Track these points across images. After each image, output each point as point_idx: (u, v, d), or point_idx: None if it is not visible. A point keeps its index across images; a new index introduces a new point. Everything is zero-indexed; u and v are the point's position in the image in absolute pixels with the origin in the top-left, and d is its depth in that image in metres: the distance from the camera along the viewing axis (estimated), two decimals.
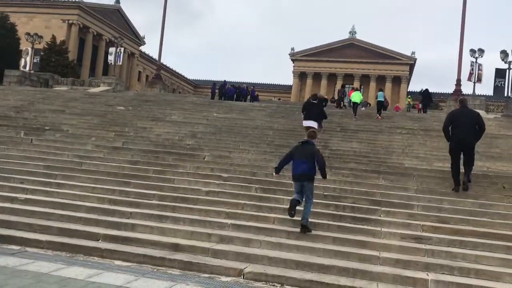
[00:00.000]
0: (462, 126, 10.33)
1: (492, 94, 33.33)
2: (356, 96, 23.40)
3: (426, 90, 31.87)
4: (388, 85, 75.17)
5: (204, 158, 13.53)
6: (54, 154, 13.51)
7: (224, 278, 7.11)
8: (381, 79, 76.58)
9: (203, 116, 21.10)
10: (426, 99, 30.52)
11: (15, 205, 9.65)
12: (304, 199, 8.77)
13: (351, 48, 78.58)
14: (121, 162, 12.97)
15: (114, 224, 8.92)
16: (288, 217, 9.46)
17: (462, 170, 11.04)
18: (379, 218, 9.55)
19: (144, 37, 74.68)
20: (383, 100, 24.19)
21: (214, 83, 37.99)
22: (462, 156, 10.66)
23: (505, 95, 29.32)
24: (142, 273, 6.94)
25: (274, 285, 7.00)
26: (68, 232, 8.45)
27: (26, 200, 9.87)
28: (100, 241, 8.28)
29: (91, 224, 8.90)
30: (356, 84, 68.86)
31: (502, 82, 29.46)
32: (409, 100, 43.77)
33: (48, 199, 10.06)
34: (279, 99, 64.65)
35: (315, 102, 15.97)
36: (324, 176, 9.08)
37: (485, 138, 16.13)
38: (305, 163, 8.78)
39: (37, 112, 20.13)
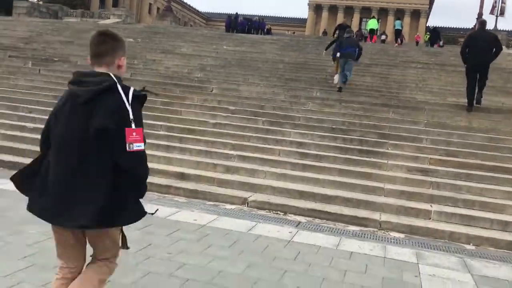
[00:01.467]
0: (479, 48, 10.39)
1: None
2: (372, 23, 22.86)
3: (434, 27, 32.97)
4: (407, 20, 72.49)
5: (212, 91, 13.40)
6: (63, 85, 13.39)
7: (228, 206, 7.23)
8: (399, 13, 73.79)
9: (213, 49, 20.70)
10: (434, 37, 30.13)
11: (25, 134, 9.76)
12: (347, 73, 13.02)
13: None
14: None
15: None
16: (294, 149, 9.49)
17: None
18: (386, 151, 9.49)
19: None
20: (400, 28, 24.80)
21: (228, 16, 36.91)
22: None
23: None
24: (148, 199, 7.03)
25: (277, 213, 7.11)
26: None
27: (35, 129, 9.95)
28: None
29: None
30: (374, 18, 66.47)
31: None
32: (428, 36, 41.89)
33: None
34: (294, 32, 62.91)
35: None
36: (358, 58, 13.71)
37: (502, 74, 15.71)
38: (351, 48, 13.29)
39: (45, 43, 19.91)
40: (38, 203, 2.63)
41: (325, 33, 51.33)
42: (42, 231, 4.60)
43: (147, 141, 8.68)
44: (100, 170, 2.54)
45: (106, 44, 2.72)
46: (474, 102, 11.33)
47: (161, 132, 10.17)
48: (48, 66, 15.61)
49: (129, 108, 2.54)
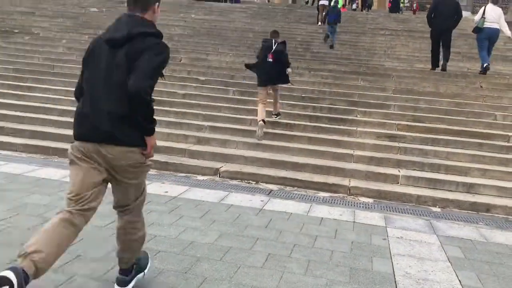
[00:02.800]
0: (443, 14, 11.25)
1: None
2: None
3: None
4: None
5: (180, 61, 13.17)
6: (24, 57, 12.98)
7: (200, 177, 7.22)
8: None
9: (180, 18, 20.24)
10: (394, 5, 30.87)
11: None
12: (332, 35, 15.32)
13: None
14: None
15: None
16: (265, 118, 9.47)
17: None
18: (355, 118, 9.59)
19: None
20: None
21: None
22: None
23: None
24: None
25: (249, 182, 7.15)
26: (42, 135, 8.35)
27: None
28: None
29: (65, 126, 8.74)
30: None
31: None
32: (402, 4, 41.05)
33: (19, 102, 9.81)
34: (268, 1, 61.83)
35: None
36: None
37: (468, 39, 15.93)
38: (334, 16, 16.16)
39: (4, 14, 19.03)
40: None
41: (294, 1, 50.74)
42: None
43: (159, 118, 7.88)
44: None
45: None
46: (440, 67, 12.05)
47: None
48: (8, 38, 14.97)
49: None
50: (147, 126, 2.90)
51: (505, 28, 11.39)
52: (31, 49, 13.90)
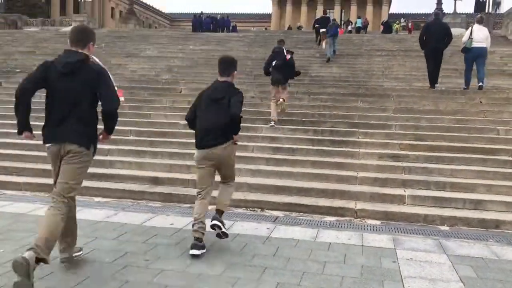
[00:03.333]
0: (434, 36, 11.66)
1: (473, 11, 32.73)
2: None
3: (387, 21, 36.34)
4: (370, 9, 73.69)
5: (180, 92, 13.29)
6: None
7: None
8: (362, 3, 74.74)
9: (179, 50, 20.54)
10: (386, 29, 32.49)
11: None
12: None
13: None
14: None
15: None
16: (267, 144, 9.51)
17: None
18: (357, 140, 9.59)
19: None
20: (361, 26, 32.35)
21: (194, 15, 36.60)
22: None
23: (486, 11, 28.91)
24: (122, 207, 6.94)
25: (254, 210, 7.10)
26: (45, 173, 8.33)
27: (0, 144, 9.68)
28: None
29: None
30: (337, 9, 67.19)
31: None
32: (397, 26, 41.14)
33: (22, 141, 9.82)
34: (266, 28, 62.99)
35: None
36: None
37: (464, 55, 16.03)
38: (333, 30, 17.49)
39: (5, 55, 19.37)
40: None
41: (289, 28, 51.78)
42: None
43: (118, 147, 8.87)
44: None
45: None
46: (430, 81, 12.38)
47: (131, 137, 10.03)
48: (9, 78, 15.18)
49: None
50: (238, 131, 5.08)
51: (488, 47, 11.74)
52: None
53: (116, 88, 4.19)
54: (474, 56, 11.47)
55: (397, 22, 44.01)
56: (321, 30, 19.86)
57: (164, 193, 7.53)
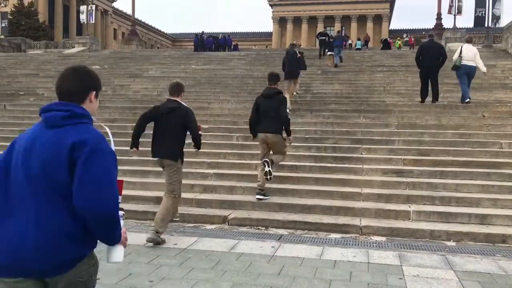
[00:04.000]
0: (429, 56, 12.11)
1: (473, 26, 32.92)
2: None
3: (386, 39, 37.25)
4: (370, 25, 74.20)
5: None
6: (29, 119, 13.18)
7: (208, 226, 7.15)
8: (362, 19, 75.39)
9: (181, 69, 20.70)
10: (385, 46, 33.33)
11: None
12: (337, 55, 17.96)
13: None
14: (99, 120, 12.69)
15: None
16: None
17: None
18: (360, 156, 9.58)
19: None
20: (360, 47, 32.11)
21: (196, 35, 37.02)
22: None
23: (486, 25, 29.07)
24: (126, 227, 6.91)
25: (258, 228, 7.06)
26: None
27: None
28: None
29: None
30: (337, 26, 67.74)
31: (483, 12, 29.13)
32: (399, 43, 41.42)
33: None
34: (267, 46, 63.64)
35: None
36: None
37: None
38: (339, 41, 19.70)
39: (10, 78, 19.56)
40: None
41: (294, 44, 52.21)
42: None
43: (122, 168, 8.83)
44: None
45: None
46: (428, 98, 12.65)
47: (135, 158, 10.02)
48: (13, 100, 15.31)
49: None
50: (289, 130, 7.67)
51: (480, 65, 12.06)
52: (36, 110, 14.07)
53: (200, 129, 6.66)
54: (464, 72, 12.02)
55: (399, 38, 44.25)
56: (329, 53, 21.09)
57: None
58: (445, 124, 11.07)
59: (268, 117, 7.44)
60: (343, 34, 34.15)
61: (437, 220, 7.05)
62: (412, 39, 39.34)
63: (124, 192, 8.72)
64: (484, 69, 12.26)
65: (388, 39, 41.01)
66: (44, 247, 2.01)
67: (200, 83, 17.48)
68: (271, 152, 7.84)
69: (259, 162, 8.13)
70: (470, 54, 11.99)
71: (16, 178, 2.10)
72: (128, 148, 10.36)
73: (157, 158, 6.44)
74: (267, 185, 8.43)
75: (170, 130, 6.15)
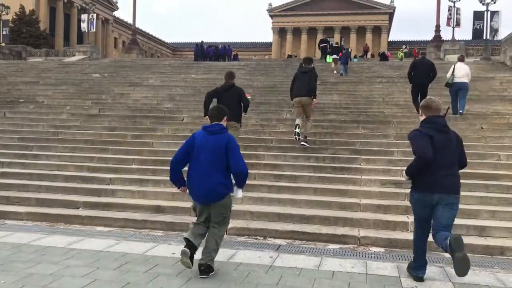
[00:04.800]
0: (420, 72, 12.67)
1: (471, 38, 33.15)
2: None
3: (384, 53, 38.43)
4: (369, 36, 74.55)
5: (182, 120, 13.38)
6: (29, 126, 13.23)
7: None
8: (361, 31, 75.77)
9: (181, 79, 20.77)
10: (383, 59, 33.60)
11: None
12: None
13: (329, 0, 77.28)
14: (98, 129, 12.76)
15: (94, 191, 8.84)
16: (269, 171, 9.51)
17: None
18: (359, 166, 9.59)
19: (117, 2, 72.33)
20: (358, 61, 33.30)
21: (196, 45, 37.19)
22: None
23: (484, 37, 29.27)
24: (124, 236, 6.91)
25: (257, 238, 7.05)
26: (47, 202, 8.36)
27: (2, 174, 9.71)
28: (80, 208, 8.21)
29: (70, 192, 8.81)
30: (337, 37, 68.13)
31: (481, 25, 29.35)
32: (401, 54, 40.47)
33: (24, 171, 9.89)
34: (266, 56, 63.99)
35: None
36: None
37: None
38: (345, 58, 21.22)
39: (10, 85, 19.60)
40: None
41: (290, 56, 52.78)
42: None
43: (120, 176, 8.90)
44: None
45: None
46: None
47: (134, 166, 10.05)
48: (13, 108, 15.33)
49: None
50: (315, 94, 10.46)
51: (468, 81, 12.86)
52: (35, 117, 14.19)
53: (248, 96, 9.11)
54: (456, 89, 12.74)
55: (401, 49, 44.47)
56: (334, 56, 23.37)
57: (166, 222, 7.51)
58: None
59: (302, 87, 10.19)
60: (342, 45, 34.96)
61: None
62: (416, 50, 39.57)
63: (122, 200, 8.70)
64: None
65: (386, 52, 41.39)
66: (218, 189, 5.01)
67: (200, 93, 17.48)
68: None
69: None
70: (462, 72, 12.71)
71: (198, 155, 5.04)
72: (127, 156, 10.46)
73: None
74: (267, 195, 8.45)
75: (231, 101, 8.64)
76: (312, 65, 10.99)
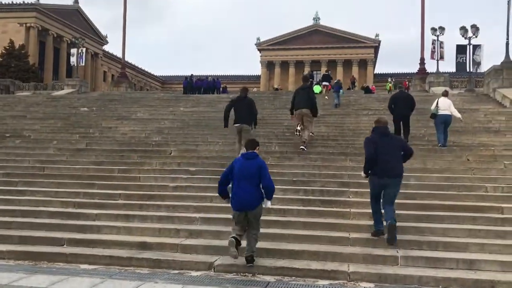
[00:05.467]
0: (400, 105, 13.65)
1: (455, 71, 33.85)
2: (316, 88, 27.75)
3: (368, 87, 39.50)
4: (355, 69, 75.89)
5: (170, 154, 13.32)
6: (14, 161, 13.07)
7: (194, 273, 6.99)
8: (347, 64, 77.16)
9: (170, 112, 20.82)
10: (367, 92, 34.90)
11: None
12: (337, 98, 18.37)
13: (316, 34, 78.86)
14: (85, 163, 12.64)
15: (79, 228, 8.68)
16: None
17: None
18: (347, 199, 9.57)
19: (106, 36, 73.10)
20: (344, 94, 32.55)
21: (185, 78, 37.48)
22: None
23: (467, 70, 29.92)
24: (109, 275, 6.75)
25: (245, 275, 6.91)
26: (30, 240, 8.16)
27: None
28: (64, 246, 8.04)
29: (55, 229, 8.64)
30: (324, 69, 69.21)
31: (464, 58, 30.04)
32: (390, 85, 40.85)
33: (7, 207, 9.71)
34: (253, 89, 64.60)
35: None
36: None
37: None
38: (337, 87, 21.29)
39: None
40: None
41: (276, 89, 53.63)
42: None
43: (107, 212, 8.61)
44: None
45: None
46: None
47: (120, 201, 9.92)
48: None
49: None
50: (315, 110, 13.04)
51: (455, 113, 13.55)
52: (21, 152, 14.04)
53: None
54: (441, 121, 13.22)
55: (389, 81, 45.24)
56: (324, 82, 26.89)
57: (152, 259, 7.35)
58: (430, 168, 11.17)
59: (302, 102, 12.43)
60: (329, 73, 36.20)
61: (425, 265, 6.99)
62: (407, 82, 40.18)
63: (108, 237, 8.54)
64: (459, 115, 13.63)
65: (370, 86, 42.28)
66: (253, 201, 6.83)
67: (188, 125, 17.55)
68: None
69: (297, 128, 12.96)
70: (445, 105, 13.50)
71: (240, 176, 6.88)
72: (114, 191, 10.34)
73: (238, 124, 11.74)
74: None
75: (244, 108, 11.60)
76: (310, 82, 13.12)
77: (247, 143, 7.42)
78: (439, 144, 13.06)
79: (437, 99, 13.88)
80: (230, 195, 7.08)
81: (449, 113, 13.40)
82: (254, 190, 6.85)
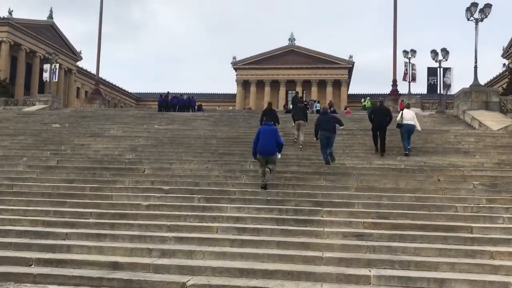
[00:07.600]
0: (379, 116, 15.51)
1: (426, 92, 34.75)
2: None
3: (334, 110, 40.37)
4: (329, 89, 77.06)
5: (144, 172, 13.16)
6: None
7: None
8: (322, 84, 78.28)
9: (144, 129, 20.63)
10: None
11: None
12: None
13: (291, 54, 79.91)
14: (56, 181, 12.37)
15: (48, 247, 8.46)
16: (232, 224, 9.40)
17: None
18: (321, 218, 9.62)
19: (80, 52, 72.32)
20: (320, 109, 33.15)
21: (160, 95, 37.34)
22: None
23: (438, 92, 30.75)
24: None
25: None
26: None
27: None
28: (32, 266, 7.81)
29: (23, 249, 8.39)
30: (299, 89, 70.02)
31: (435, 80, 30.89)
32: (368, 101, 41.89)
33: None
34: (230, 107, 64.87)
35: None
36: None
37: (421, 134, 16.81)
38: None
39: None
40: None
41: (250, 108, 54.25)
42: None
43: (77, 231, 8.36)
44: None
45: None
46: (380, 150, 15.36)
47: (91, 220, 9.73)
48: None
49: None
50: (307, 119, 17.97)
51: (417, 125, 15.54)
52: None
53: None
54: (406, 130, 15.09)
55: (368, 98, 46.15)
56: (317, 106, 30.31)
57: (123, 279, 7.20)
58: (402, 188, 11.36)
59: (300, 115, 16.99)
60: (302, 96, 36.78)
61: (397, 284, 7.06)
62: (402, 102, 40.76)
63: (78, 257, 8.37)
64: (419, 127, 15.70)
65: (345, 109, 43.17)
66: (272, 150, 11.58)
67: (162, 143, 17.43)
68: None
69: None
70: (409, 115, 15.50)
71: (264, 136, 11.64)
72: (85, 210, 10.14)
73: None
74: (230, 249, 8.34)
75: (271, 117, 15.55)
76: (305, 103, 19.52)
77: (267, 118, 15.12)
78: (406, 152, 14.79)
79: (401, 111, 15.82)
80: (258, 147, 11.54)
81: (412, 123, 15.35)
82: (272, 143, 11.41)
